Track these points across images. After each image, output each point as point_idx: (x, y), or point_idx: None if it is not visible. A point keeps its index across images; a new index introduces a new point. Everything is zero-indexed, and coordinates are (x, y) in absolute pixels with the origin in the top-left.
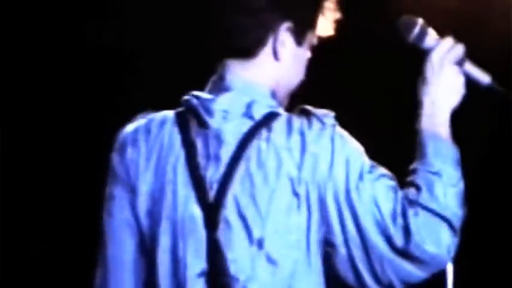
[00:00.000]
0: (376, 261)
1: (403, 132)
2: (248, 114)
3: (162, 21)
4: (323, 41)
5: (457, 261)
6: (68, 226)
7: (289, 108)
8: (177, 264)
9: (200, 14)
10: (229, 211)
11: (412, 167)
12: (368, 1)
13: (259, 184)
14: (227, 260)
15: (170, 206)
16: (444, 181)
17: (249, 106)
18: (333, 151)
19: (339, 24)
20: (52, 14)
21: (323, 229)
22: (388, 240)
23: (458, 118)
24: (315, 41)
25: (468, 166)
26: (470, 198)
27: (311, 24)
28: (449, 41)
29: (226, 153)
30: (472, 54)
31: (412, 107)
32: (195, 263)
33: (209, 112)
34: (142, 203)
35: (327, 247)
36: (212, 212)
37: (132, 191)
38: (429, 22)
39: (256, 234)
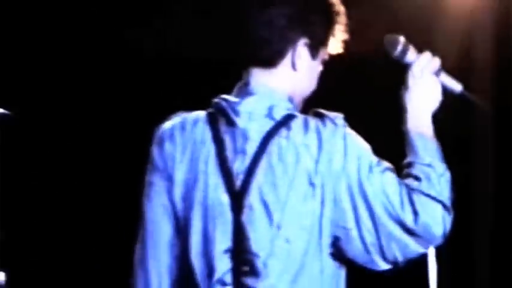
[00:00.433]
0: (385, 241)
1: (395, 132)
2: (270, 115)
3: (195, 32)
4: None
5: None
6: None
7: (302, 112)
8: (207, 243)
9: (229, 27)
10: (252, 198)
11: (406, 161)
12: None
13: (279, 175)
14: (250, 239)
15: (202, 193)
16: (436, 172)
17: (270, 108)
18: (346, 148)
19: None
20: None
21: (335, 215)
22: (398, 222)
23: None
24: (326, 56)
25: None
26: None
27: (324, 42)
28: (427, 55)
29: (251, 148)
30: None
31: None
32: (222, 241)
33: (236, 113)
34: (178, 190)
35: (338, 231)
36: (238, 198)
37: (169, 180)
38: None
39: (276, 218)
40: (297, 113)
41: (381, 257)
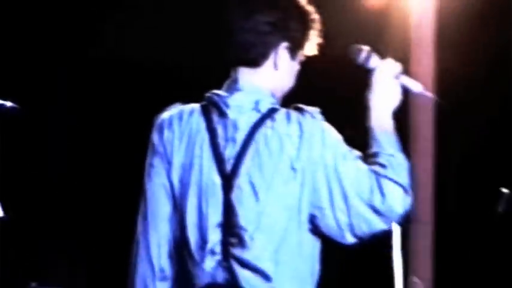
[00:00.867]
0: (355, 219)
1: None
2: (256, 108)
3: (187, 37)
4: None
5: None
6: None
7: (283, 106)
8: (201, 217)
9: (218, 32)
10: (241, 180)
11: (372, 151)
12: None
13: (265, 160)
14: (238, 215)
15: (197, 174)
16: (398, 161)
17: (256, 103)
18: (323, 138)
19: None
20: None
21: (313, 196)
22: (368, 203)
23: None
24: (303, 57)
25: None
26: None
27: (301, 45)
28: (389, 61)
29: (240, 136)
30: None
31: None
32: (214, 217)
33: (227, 105)
34: (176, 172)
35: (315, 210)
36: (229, 180)
37: (168, 163)
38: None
39: (262, 197)
40: (279, 107)
41: (350, 233)
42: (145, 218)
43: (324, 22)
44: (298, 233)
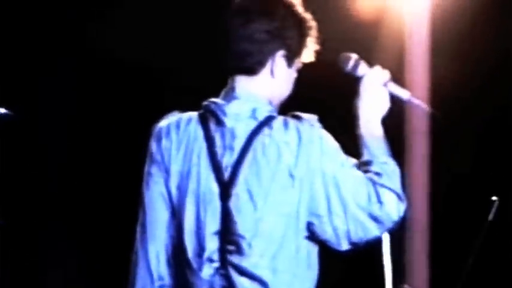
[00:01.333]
0: (352, 226)
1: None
2: (253, 116)
3: (184, 45)
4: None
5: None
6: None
7: (280, 113)
8: (199, 225)
9: (215, 40)
10: (239, 188)
11: (365, 159)
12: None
13: (263, 168)
14: (236, 223)
15: (195, 183)
16: (391, 168)
17: (254, 110)
18: (322, 146)
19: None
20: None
21: (311, 204)
22: (366, 210)
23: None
24: (300, 65)
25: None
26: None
27: (298, 53)
28: (377, 69)
29: (238, 144)
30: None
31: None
32: (212, 224)
33: (224, 114)
34: (173, 180)
35: (312, 217)
36: (226, 188)
37: (166, 171)
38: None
39: (259, 204)
40: (276, 115)
41: (347, 240)
42: (143, 226)
43: (318, 31)
44: (296, 240)
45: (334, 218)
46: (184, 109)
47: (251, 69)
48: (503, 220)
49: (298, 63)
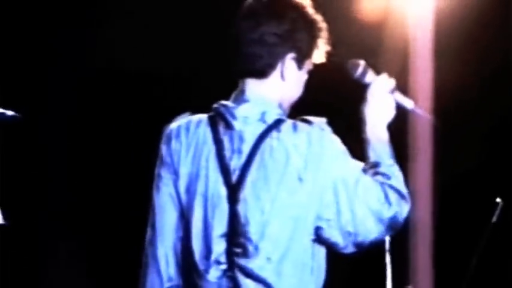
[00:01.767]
0: (361, 230)
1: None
2: (262, 120)
3: (196, 48)
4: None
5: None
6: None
7: (290, 117)
8: (206, 228)
9: (226, 43)
10: (247, 191)
11: (372, 161)
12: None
13: (270, 171)
14: (244, 225)
15: (203, 185)
16: (396, 171)
17: (263, 114)
18: (332, 149)
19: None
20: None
21: (319, 207)
22: (375, 213)
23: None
24: (311, 67)
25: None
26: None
27: (309, 55)
28: (384, 76)
29: (246, 148)
30: None
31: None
32: (219, 227)
33: (233, 117)
34: (182, 182)
35: (321, 221)
36: (234, 191)
37: (175, 173)
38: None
39: (267, 207)
40: (285, 118)
41: (353, 243)
42: (153, 227)
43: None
44: (303, 243)
45: (343, 222)
46: (195, 112)
47: (261, 72)
48: (507, 221)
49: (308, 65)
